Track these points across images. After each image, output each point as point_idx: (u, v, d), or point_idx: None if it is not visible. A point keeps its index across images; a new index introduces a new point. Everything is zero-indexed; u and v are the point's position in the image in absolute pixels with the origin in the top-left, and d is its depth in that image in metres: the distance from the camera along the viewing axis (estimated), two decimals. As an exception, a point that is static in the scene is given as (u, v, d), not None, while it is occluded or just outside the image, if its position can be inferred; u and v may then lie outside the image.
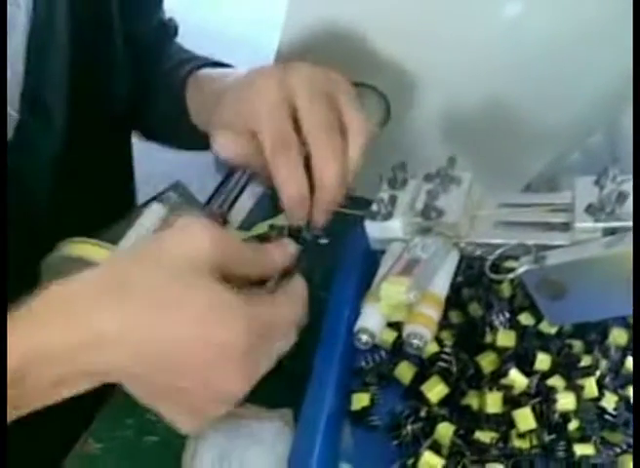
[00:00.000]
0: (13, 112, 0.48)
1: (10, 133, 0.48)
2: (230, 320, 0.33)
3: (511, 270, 0.41)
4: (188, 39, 0.67)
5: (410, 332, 0.39)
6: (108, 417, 0.54)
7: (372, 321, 0.40)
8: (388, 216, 0.46)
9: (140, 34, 0.61)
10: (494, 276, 0.41)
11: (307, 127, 0.42)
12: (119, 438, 0.52)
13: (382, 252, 0.47)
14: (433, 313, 0.40)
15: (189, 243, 0.33)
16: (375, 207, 0.46)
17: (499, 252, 0.42)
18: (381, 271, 0.44)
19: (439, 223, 0.44)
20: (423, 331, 0.39)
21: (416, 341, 0.39)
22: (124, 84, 0.60)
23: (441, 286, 0.43)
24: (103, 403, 0.54)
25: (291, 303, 0.38)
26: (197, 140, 0.55)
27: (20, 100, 0.48)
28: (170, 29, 0.66)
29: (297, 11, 0.59)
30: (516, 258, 0.41)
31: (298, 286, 0.39)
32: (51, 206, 0.54)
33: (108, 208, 0.47)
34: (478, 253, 0.44)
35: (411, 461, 0.46)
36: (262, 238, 0.43)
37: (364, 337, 0.40)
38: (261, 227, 0.44)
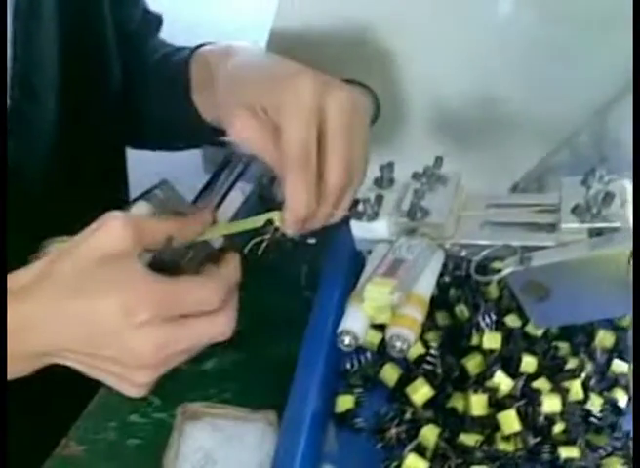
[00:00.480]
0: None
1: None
2: (134, 287, 0.35)
3: (498, 271, 0.40)
4: (180, 36, 0.67)
5: (393, 334, 0.38)
6: (91, 420, 0.53)
7: (355, 323, 0.40)
8: (374, 217, 0.45)
9: (125, 19, 0.60)
10: (479, 277, 0.41)
11: (330, 148, 0.42)
12: (102, 440, 0.52)
13: (370, 252, 0.46)
14: (417, 315, 0.40)
15: (102, 234, 0.37)
16: (361, 207, 0.45)
17: (484, 253, 0.42)
18: (367, 272, 0.44)
19: (425, 224, 0.44)
20: (407, 334, 0.38)
21: (398, 344, 0.38)
22: (117, 70, 0.59)
23: (426, 287, 0.42)
24: (80, 409, 0.54)
25: (209, 287, 0.38)
26: (196, 130, 0.54)
27: (10, 85, 0.48)
28: (153, 21, 0.65)
29: (288, 4, 0.59)
30: (503, 259, 0.41)
31: (224, 273, 0.40)
32: (46, 191, 0.54)
33: (101, 204, 0.47)
34: (463, 253, 0.44)
35: (395, 464, 0.46)
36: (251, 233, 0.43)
37: (347, 339, 0.39)
38: (257, 221, 0.43)
